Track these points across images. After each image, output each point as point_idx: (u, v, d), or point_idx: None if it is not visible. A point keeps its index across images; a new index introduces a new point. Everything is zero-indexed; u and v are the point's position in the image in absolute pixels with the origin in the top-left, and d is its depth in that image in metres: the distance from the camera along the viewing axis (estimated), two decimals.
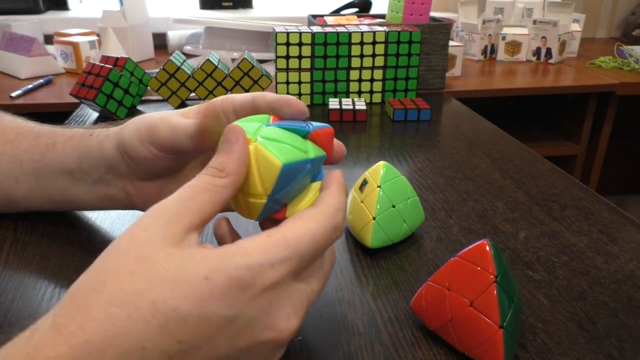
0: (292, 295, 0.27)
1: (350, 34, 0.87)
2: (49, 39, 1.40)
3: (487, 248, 0.33)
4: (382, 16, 1.16)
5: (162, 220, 0.25)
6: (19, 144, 0.44)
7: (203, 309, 0.23)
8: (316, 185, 0.31)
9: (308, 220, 0.27)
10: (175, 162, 0.38)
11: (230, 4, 1.64)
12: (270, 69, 0.92)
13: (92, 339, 0.22)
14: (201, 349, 0.24)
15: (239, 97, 0.34)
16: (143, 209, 0.41)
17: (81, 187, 0.42)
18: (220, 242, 0.32)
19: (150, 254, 0.24)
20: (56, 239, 0.46)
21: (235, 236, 0.32)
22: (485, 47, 1.47)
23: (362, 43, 0.88)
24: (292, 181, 0.28)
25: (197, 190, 0.26)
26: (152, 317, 0.22)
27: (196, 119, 0.34)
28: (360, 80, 0.90)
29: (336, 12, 1.42)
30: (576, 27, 1.52)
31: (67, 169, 0.42)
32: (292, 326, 0.26)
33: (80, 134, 0.42)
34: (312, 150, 0.30)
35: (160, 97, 0.89)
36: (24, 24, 1.35)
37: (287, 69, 0.88)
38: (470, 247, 0.33)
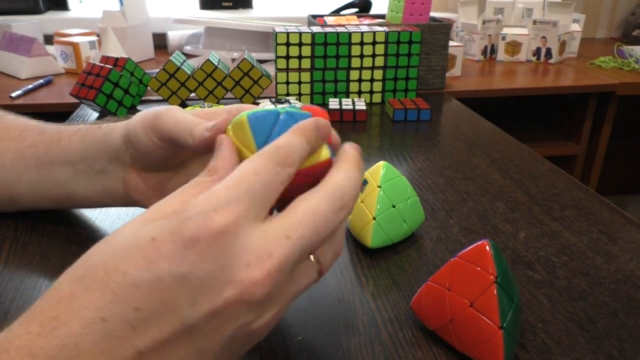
0: (249, 240, 0.24)
1: (350, 34, 0.87)
2: (49, 39, 1.40)
3: (487, 248, 0.33)
4: (382, 16, 1.16)
5: (152, 209, 0.26)
6: (23, 140, 0.44)
7: (153, 270, 0.23)
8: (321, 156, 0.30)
9: (247, 162, 0.26)
10: (175, 155, 0.38)
11: (230, 4, 1.64)
12: (270, 69, 0.92)
13: (57, 315, 0.22)
14: (162, 315, 0.23)
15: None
16: (140, 204, 0.41)
17: (81, 180, 0.42)
18: None
19: (118, 232, 0.25)
20: (56, 239, 0.46)
21: None
22: (485, 47, 1.47)
23: (362, 43, 0.88)
24: (271, 132, 0.28)
25: (186, 187, 0.27)
26: (106, 286, 0.23)
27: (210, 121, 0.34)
28: (360, 81, 0.90)
29: (336, 12, 1.42)
30: (576, 27, 1.52)
31: (70, 160, 0.42)
32: (253, 276, 0.23)
33: (86, 128, 0.43)
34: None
35: (160, 97, 0.89)
36: (24, 24, 1.35)
37: (287, 69, 0.88)
38: (471, 247, 0.33)
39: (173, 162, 0.39)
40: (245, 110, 0.37)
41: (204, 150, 0.33)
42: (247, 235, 0.24)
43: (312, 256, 0.27)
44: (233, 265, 0.23)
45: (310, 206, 0.26)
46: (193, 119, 0.34)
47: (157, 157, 0.38)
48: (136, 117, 0.38)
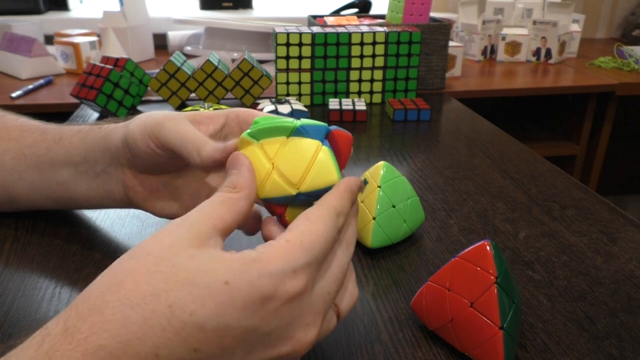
0: (311, 302, 0.26)
1: (350, 34, 0.87)
2: (49, 40, 1.40)
3: (488, 249, 0.33)
4: (382, 16, 1.16)
5: (186, 224, 0.25)
6: (23, 140, 0.44)
7: (222, 318, 0.22)
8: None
9: (317, 222, 0.27)
10: (171, 162, 0.38)
11: (231, 4, 1.64)
12: (270, 69, 0.92)
13: (105, 345, 0.21)
14: (215, 358, 0.23)
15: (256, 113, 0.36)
16: (140, 207, 0.41)
17: (82, 181, 0.42)
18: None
19: (171, 255, 0.23)
20: (57, 239, 0.46)
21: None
22: (485, 47, 1.47)
23: (362, 43, 0.88)
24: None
25: (216, 203, 0.27)
26: (168, 322, 0.22)
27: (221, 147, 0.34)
28: (360, 81, 0.90)
29: (336, 13, 1.42)
30: (576, 27, 1.52)
31: (72, 161, 0.42)
32: (310, 336, 0.25)
33: (88, 128, 0.42)
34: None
35: (160, 98, 0.89)
36: (25, 25, 1.35)
37: (287, 70, 0.88)
38: (471, 247, 0.33)
39: (169, 167, 0.39)
40: (243, 113, 0.37)
41: (210, 168, 0.33)
42: (310, 298, 0.26)
43: (334, 306, 0.29)
44: (296, 325, 0.25)
45: (339, 263, 0.28)
46: (199, 137, 0.34)
47: (153, 162, 0.38)
48: (136, 121, 0.37)
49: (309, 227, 0.26)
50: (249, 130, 0.30)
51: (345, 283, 0.30)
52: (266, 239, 0.30)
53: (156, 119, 0.36)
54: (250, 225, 0.34)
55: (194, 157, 0.33)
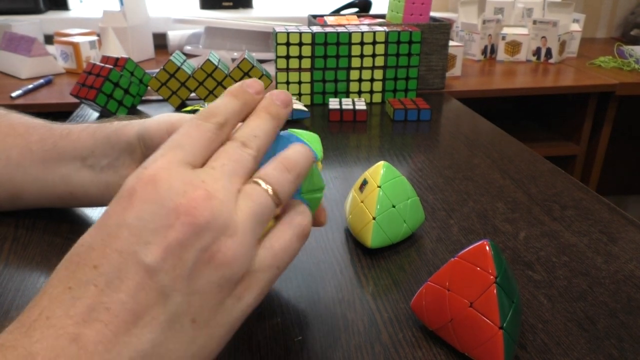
0: (181, 175, 0.25)
1: (350, 34, 0.87)
2: (49, 39, 1.40)
3: (487, 248, 0.33)
4: (382, 16, 1.16)
5: None
6: (29, 136, 0.45)
7: (103, 230, 0.24)
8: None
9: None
10: None
11: (231, 4, 1.64)
12: (270, 69, 0.92)
13: (36, 304, 0.24)
14: (120, 265, 0.23)
15: None
16: None
17: (85, 175, 0.43)
18: None
19: None
20: (57, 238, 0.46)
21: None
22: (485, 47, 1.47)
23: (362, 43, 0.88)
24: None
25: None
26: (69, 260, 0.24)
27: None
28: (360, 80, 0.90)
29: (336, 12, 1.42)
30: (576, 27, 1.52)
31: (79, 155, 0.43)
32: (192, 196, 0.24)
33: (96, 124, 0.44)
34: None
35: (160, 97, 0.89)
36: (24, 24, 1.35)
37: (287, 69, 0.88)
38: (471, 247, 0.33)
39: None
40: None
41: None
42: (179, 173, 0.25)
43: (258, 179, 0.27)
44: (171, 198, 0.24)
45: (226, 148, 0.28)
46: None
47: None
48: (153, 120, 0.39)
49: None
50: None
51: (277, 160, 0.29)
52: None
53: (172, 119, 0.38)
54: None
55: None
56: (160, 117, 0.39)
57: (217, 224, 0.24)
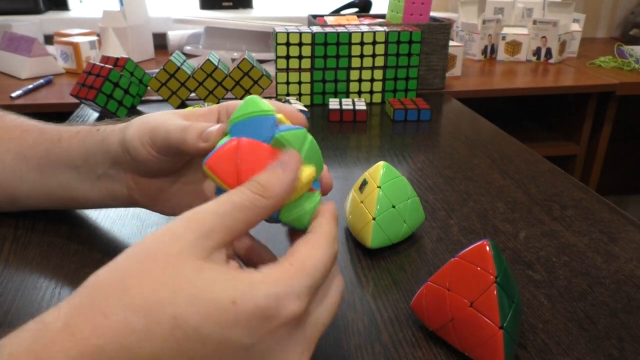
0: (305, 330, 0.26)
1: (350, 34, 0.87)
2: (49, 39, 1.40)
3: (487, 248, 0.33)
4: (382, 16, 1.16)
5: (196, 233, 0.24)
6: (24, 141, 0.44)
7: (225, 334, 0.23)
8: (309, 193, 0.30)
9: (316, 247, 0.27)
10: (174, 164, 0.38)
11: (230, 4, 1.64)
12: (270, 69, 0.92)
13: (105, 347, 0.21)
14: None
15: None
16: (144, 206, 0.41)
17: (84, 183, 0.42)
18: (243, 256, 0.32)
19: (178, 265, 0.23)
20: (57, 239, 0.46)
21: (257, 249, 0.32)
22: (486, 47, 1.47)
23: (362, 43, 0.88)
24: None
25: (236, 208, 0.26)
26: (171, 333, 0.22)
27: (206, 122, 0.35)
28: (360, 80, 0.90)
29: (336, 12, 1.42)
30: (576, 27, 1.52)
31: (72, 164, 0.42)
32: None
33: (86, 130, 0.42)
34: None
35: (160, 97, 0.89)
36: (24, 24, 1.35)
37: (287, 69, 0.88)
38: (471, 247, 0.33)
39: (172, 169, 0.39)
40: (232, 106, 0.36)
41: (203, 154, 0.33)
42: (305, 325, 0.26)
43: None
44: (290, 351, 0.25)
45: (338, 290, 0.29)
46: (182, 124, 0.34)
47: (156, 167, 0.38)
48: (132, 128, 0.37)
49: (309, 251, 0.26)
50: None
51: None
52: (242, 255, 0.31)
53: (151, 124, 0.36)
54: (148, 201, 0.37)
55: (183, 146, 0.33)
56: (139, 124, 0.37)
57: None
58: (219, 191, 0.29)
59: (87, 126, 0.43)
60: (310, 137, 0.30)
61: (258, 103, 0.30)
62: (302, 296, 0.25)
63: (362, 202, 0.46)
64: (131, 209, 0.51)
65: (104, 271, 0.24)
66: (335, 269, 0.29)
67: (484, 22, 1.43)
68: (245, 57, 0.85)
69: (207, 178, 0.38)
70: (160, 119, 0.36)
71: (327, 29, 0.87)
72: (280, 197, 0.27)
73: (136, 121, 0.37)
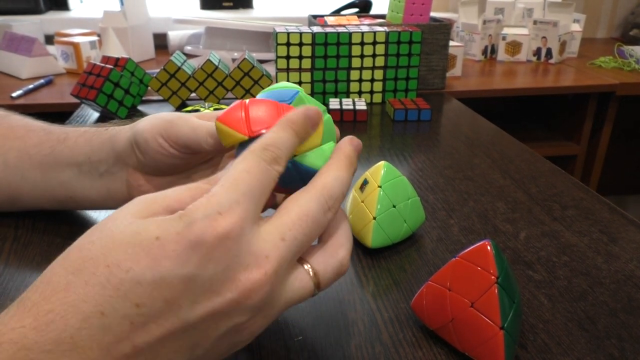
0: (249, 242, 0.25)
1: (350, 34, 0.87)
2: (49, 39, 1.40)
3: (489, 248, 0.33)
4: (383, 16, 1.16)
5: (141, 199, 0.26)
6: (28, 140, 0.45)
7: (157, 269, 0.23)
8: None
9: (237, 163, 0.26)
10: (182, 162, 0.38)
11: (231, 4, 1.64)
12: (270, 69, 0.92)
13: (53, 308, 0.22)
14: (162, 313, 0.23)
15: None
16: None
17: (85, 181, 0.42)
18: None
19: (112, 225, 0.24)
20: (57, 238, 0.46)
21: None
22: (486, 47, 1.47)
23: (362, 43, 0.88)
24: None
25: (183, 187, 0.27)
26: (107, 281, 0.22)
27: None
28: (360, 81, 0.90)
29: (336, 13, 1.42)
30: (576, 27, 1.52)
31: (75, 161, 0.42)
32: (254, 277, 0.24)
33: (93, 130, 0.43)
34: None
35: (160, 97, 0.89)
36: (25, 24, 1.35)
37: (288, 69, 0.88)
38: (472, 247, 0.33)
39: (181, 168, 0.39)
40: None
41: (221, 153, 0.35)
42: (248, 237, 0.25)
43: (308, 267, 0.28)
44: (234, 267, 0.24)
45: (302, 207, 0.27)
46: (208, 124, 0.36)
47: (165, 162, 0.38)
48: (144, 122, 0.38)
49: (229, 171, 0.26)
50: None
51: (325, 241, 0.29)
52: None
53: (167, 118, 0.37)
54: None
55: (207, 141, 0.35)
56: (151, 118, 0.38)
57: (260, 308, 0.25)
58: (239, 150, 0.30)
59: (95, 126, 0.44)
60: (328, 115, 0.33)
61: (285, 83, 0.33)
62: (227, 213, 0.24)
63: (362, 201, 0.46)
64: None
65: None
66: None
67: (484, 22, 1.43)
68: (246, 57, 0.85)
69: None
70: (175, 115, 0.37)
71: (328, 29, 0.87)
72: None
73: (148, 117, 0.38)
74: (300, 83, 0.89)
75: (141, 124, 0.38)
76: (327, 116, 0.32)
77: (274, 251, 0.25)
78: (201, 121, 0.36)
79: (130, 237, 0.23)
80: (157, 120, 0.37)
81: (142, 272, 0.23)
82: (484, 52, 1.47)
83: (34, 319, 0.22)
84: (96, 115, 0.84)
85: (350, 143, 0.32)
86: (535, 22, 1.44)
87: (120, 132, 0.40)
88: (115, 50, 1.19)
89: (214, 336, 0.25)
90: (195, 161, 0.40)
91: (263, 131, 0.29)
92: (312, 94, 0.90)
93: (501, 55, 1.47)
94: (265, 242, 0.25)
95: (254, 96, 0.86)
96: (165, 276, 0.23)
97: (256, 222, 0.26)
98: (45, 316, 0.22)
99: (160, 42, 1.48)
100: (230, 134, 0.29)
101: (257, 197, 0.26)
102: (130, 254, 0.23)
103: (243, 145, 0.29)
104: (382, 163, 0.46)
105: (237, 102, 0.30)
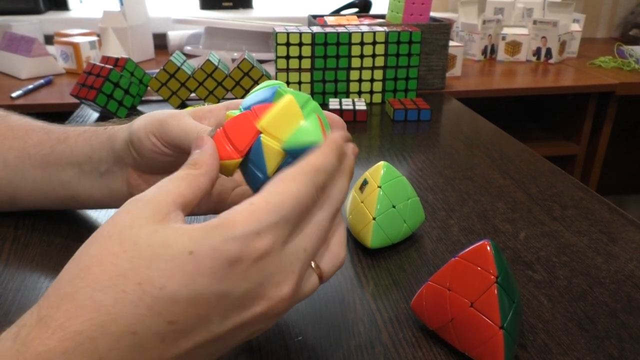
0: (281, 261, 0.25)
1: (350, 34, 0.87)
2: (49, 39, 1.40)
3: (488, 248, 0.33)
4: (382, 16, 1.16)
5: (143, 201, 0.25)
6: (28, 139, 0.44)
7: (192, 287, 0.22)
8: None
9: (289, 181, 0.26)
10: (177, 160, 0.38)
11: (230, 4, 1.64)
12: (270, 69, 0.92)
13: (81, 329, 0.21)
14: (194, 328, 0.23)
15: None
16: None
17: (86, 181, 0.42)
18: None
19: (132, 234, 0.23)
20: (57, 239, 0.46)
21: None
22: (486, 47, 1.47)
23: (362, 43, 0.88)
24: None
25: (175, 179, 0.27)
26: (140, 299, 0.22)
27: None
28: (360, 81, 0.90)
29: (336, 12, 1.42)
30: (576, 27, 1.52)
31: (76, 161, 0.42)
32: (283, 293, 0.25)
33: (93, 129, 0.43)
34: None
35: (160, 97, 0.89)
36: (25, 24, 1.35)
37: (288, 69, 0.88)
38: (471, 247, 0.33)
39: (177, 166, 0.39)
40: (239, 104, 0.37)
41: None
42: (280, 257, 0.25)
43: (314, 265, 0.29)
44: (266, 284, 0.25)
45: (317, 220, 0.28)
46: (200, 127, 0.35)
47: (160, 161, 0.38)
48: (139, 121, 0.38)
49: (278, 187, 0.26)
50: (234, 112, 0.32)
51: (328, 243, 0.30)
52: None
53: (159, 117, 0.36)
54: (212, 206, 0.36)
55: (187, 140, 0.34)
56: (145, 117, 0.38)
57: (280, 316, 0.27)
58: (244, 167, 0.31)
59: (95, 126, 0.44)
60: (314, 102, 0.33)
61: (267, 82, 0.33)
62: (266, 233, 0.24)
63: (362, 202, 0.46)
64: None
65: (66, 265, 0.24)
66: (321, 194, 0.28)
67: (484, 22, 1.43)
68: (246, 57, 0.85)
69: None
70: (168, 113, 0.37)
71: (327, 29, 0.87)
72: (208, 164, 0.28)
73: (143, 115, 0.38)
74: (300, 83, 0.89)
75: (136, 123, 0.38)
76: (314, 103, 0.33)
77: (298, 264, 0.26)
78: (193, 122, 0.36)
79: (161, 251, 0.23)
80: (150, 119, 0.37)
81: (177, 289, 0.22)
82: (484, 52, 1.47)
83: (59, 341, 0.21)
84: (96, 115, 0.84)
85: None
86: (535, 22, 1.44)
87: (118, 131, 0.40)
88: (115, 50, 1.19)
89: (236, 342, 0.26)
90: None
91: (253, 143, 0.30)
92: (312, 94, 0.90)
93: (501, 55, 1.47)
94: (292, 256, 0.26)
95: None
96: (200, 293, 0.23)
97: (290, 241, 0.26)
98: (73, 339, 0.21)
99: (160, 42, 1.48)
100: (227, 165, 0.30)
101: (296, 219, 0.26)
102: (162, 270, 0.22)
103: (244, 162, 0.30)
104: (382, 163, 0.46)
105: (215, 135, 0.30)
